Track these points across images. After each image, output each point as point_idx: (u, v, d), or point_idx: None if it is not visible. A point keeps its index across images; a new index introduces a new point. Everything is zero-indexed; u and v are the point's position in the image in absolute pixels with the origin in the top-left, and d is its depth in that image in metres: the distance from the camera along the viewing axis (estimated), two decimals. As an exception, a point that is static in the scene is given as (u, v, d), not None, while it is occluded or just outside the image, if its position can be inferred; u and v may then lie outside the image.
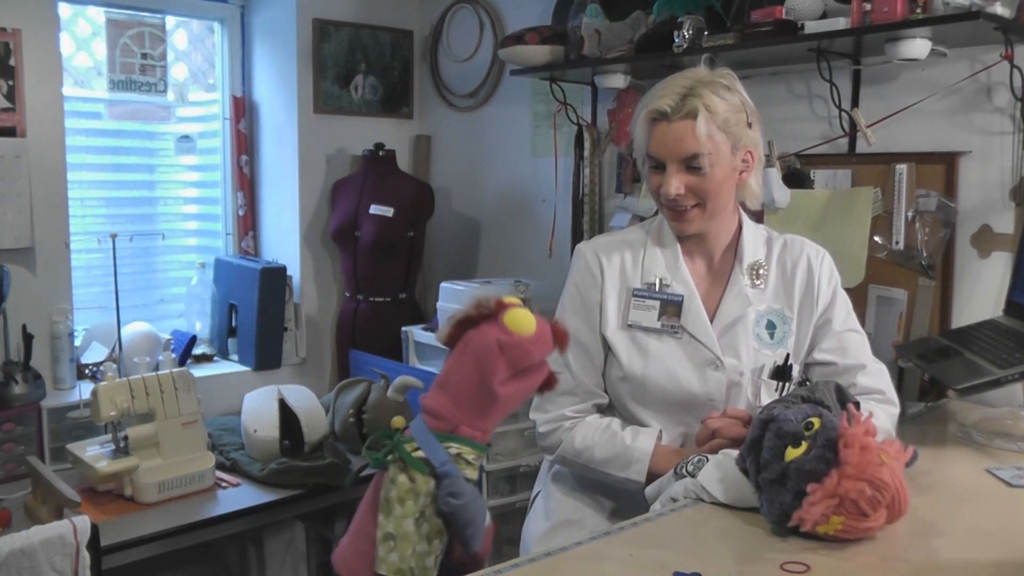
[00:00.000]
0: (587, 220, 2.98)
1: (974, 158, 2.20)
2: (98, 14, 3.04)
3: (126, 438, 2.29)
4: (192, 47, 3.35)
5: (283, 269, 3.22)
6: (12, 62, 2.64)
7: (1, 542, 1.82)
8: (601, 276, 1.68)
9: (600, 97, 3.01)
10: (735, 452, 1.45)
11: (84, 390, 2.64)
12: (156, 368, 2.83)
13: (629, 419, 1.69)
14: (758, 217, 2.05)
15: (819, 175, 2.43)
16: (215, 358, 3.29)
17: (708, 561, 1.23)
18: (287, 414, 2.61)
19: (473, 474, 1.36)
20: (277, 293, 3.19)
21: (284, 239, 3.40)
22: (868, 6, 2.06)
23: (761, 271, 1.67)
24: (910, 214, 2.25)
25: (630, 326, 1.66)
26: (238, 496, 2.40)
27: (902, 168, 2.25)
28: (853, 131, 2.39)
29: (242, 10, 3.40)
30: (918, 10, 2.00)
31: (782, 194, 2.32)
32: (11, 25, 2.63)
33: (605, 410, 1.73)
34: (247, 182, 3.42)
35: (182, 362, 3.08)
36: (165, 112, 3.25)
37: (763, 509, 1.34)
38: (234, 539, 3.11)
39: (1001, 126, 2.15)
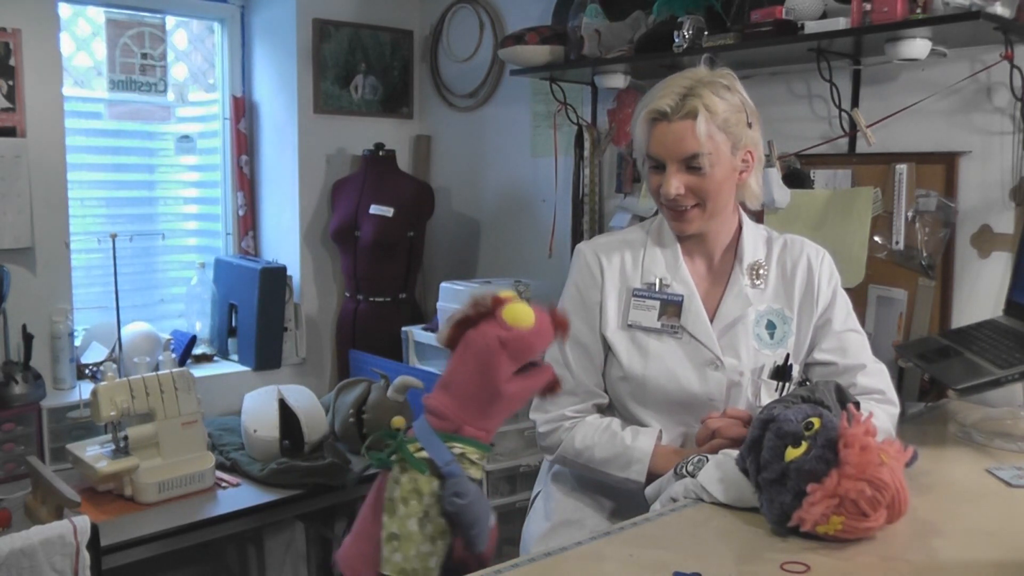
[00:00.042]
0: (587, 220, 2.98)
1: (974, 158, 2.20)
2: (98, 14, 3.04)
3: (126, 438, 2.29)
4: (192, 47, 3.35)
5: (283, 269, 3.22)
6: (12, 62, 2.64)
7: (1, 542, 1.82)
8: (601, 276, 1.68)
9: (600, 97, 3.01)
10: (735, 452, 1.45)
11: (84, 390, 2.64)
12: (156, 368, 2.83)
13: (629, 419, 1.69)
14: (758, 217, 2.05)
15: (819, 175, 2.43)
16: (215, 358, 3.29)
17: (708, 561, 1.23)
18: (287, 414, 2.61)
19: (477, 474, 1.36)
20: (277, 293, 3.19)
21: (284, 239, 3.40)
22: (868, 6, 2.06)
23: (761, 271, 1.67)
24: (910, 214, 2.25)
25: (630, 326, 1.66)
26: (238, 496, 2.40)
27: (902, 168, 2.25)
28: (853, 131, 2.39)
29: (242, 10, 3.40)
30: (918, 10, 2.00)
31: (782, 194, 2.32)
32: (11, 25, 2.63)
33: (605, 410, 1.73)
34: (247, 182, 3.42)
35: (182, 362, 3.08)
36: (165, 112, 3.25)
37: (763, 509, 1.34)
38: (234, 539, 3.11)
39: (1001, 126, 2.15)
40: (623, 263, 1.69)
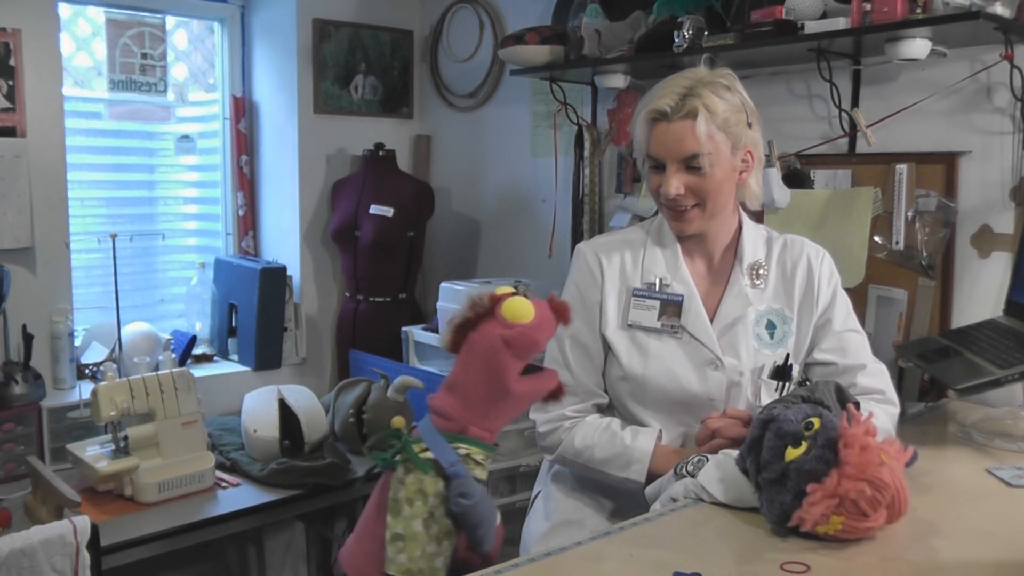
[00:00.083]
0: (587, 220, 2.98)
1: (974, 158, 2.20)
2: (98, 14, 3.04)
3: (126, 438, 2.29)
4: (192, 47, 3.35)
5: (283, 269, 3.22)
6: (12, 62, 2.64)
7: (1, 542, 1.82)
8: (601, 276, 1.69)
9: (600, 97, 3.01)
10: (735, 452, 1.45)
11: (84, 390, 2.64)
12: (156, 368, 2.83)
13: (629, 419, 1.69)
14: (758, 217, 2.05)
15: (819, 175, 2.43)
16: (215, 358, 3.29)
17: (708, 561, 1.23)
18: (287, 414, 2.61)
19: (482, 474, 1.36)
20: (277, 293, 3.19)
21: (284, 239, 3.40)
22: (868, 6, 2.06)
23: (761, 271, 1.67)
24: (910, 214, 2.25)
25: (630, 326, 1.66)
26: (238, 496, 2.40)
27: (902, 168, 2.25)
28: (853, 131, 2.39)
29: (242, 10, 3.40)
30: (918, 10, 2.00)
31: (782, 194, 2.32)
32: (11, 25, 2.63)
33: (605, 410, 1.73)
34: (247, 182, 3.42)
35: (182, 362, 3.08)
36: (165, 112, 3.25)
37: (763, 509, 1.34)
38: (234, 539, 3.11)
39: (1001, 126, 2.15)
40: (623, 263, 1.69)
